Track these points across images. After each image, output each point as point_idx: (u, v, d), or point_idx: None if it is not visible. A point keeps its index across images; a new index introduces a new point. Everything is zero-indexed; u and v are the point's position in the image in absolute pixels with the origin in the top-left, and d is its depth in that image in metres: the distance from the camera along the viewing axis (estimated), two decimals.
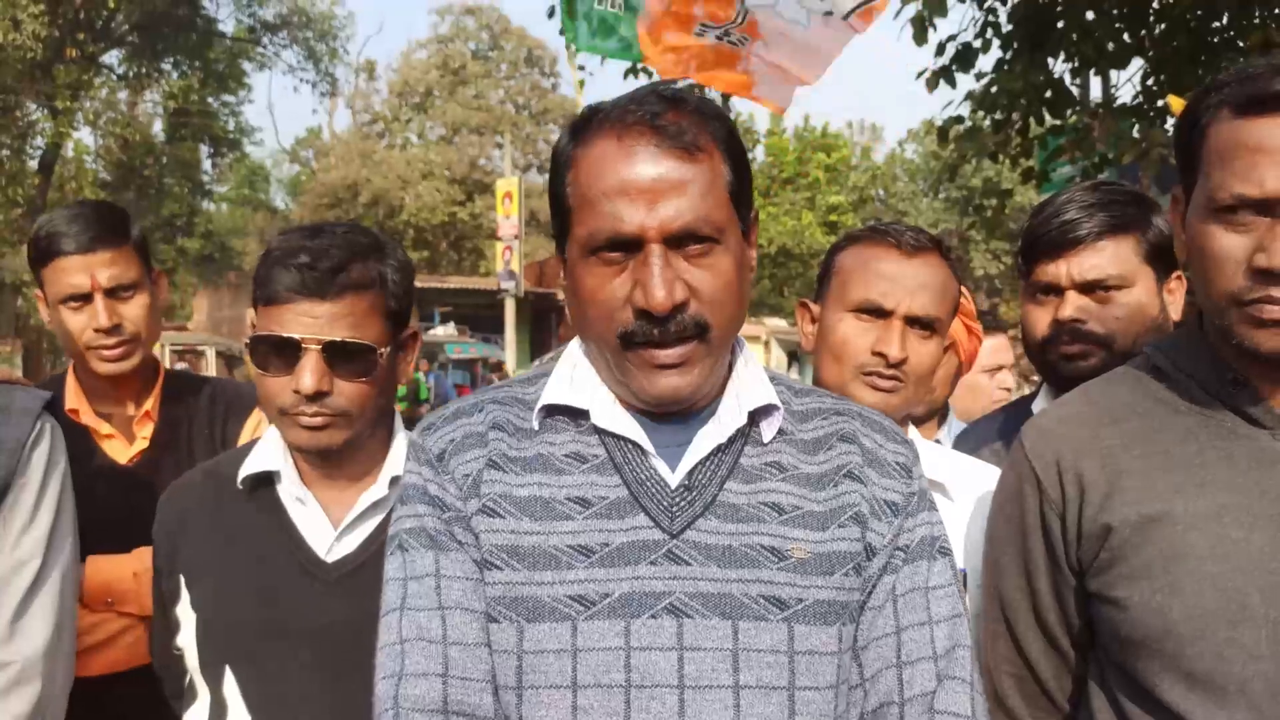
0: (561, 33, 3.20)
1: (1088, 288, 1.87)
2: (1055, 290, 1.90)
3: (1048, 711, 1.50)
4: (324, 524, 1.69)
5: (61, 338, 2.22)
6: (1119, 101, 7.94)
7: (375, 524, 1.69)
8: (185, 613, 1.69)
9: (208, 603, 1.67)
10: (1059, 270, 1.89)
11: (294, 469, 1.71)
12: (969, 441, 2.17)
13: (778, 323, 27.72)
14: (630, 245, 1.20)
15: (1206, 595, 1.27)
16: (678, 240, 1.19)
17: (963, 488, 1.81)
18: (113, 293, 2.17)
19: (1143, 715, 1.32)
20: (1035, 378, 2.33)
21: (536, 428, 1.30)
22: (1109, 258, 1.86)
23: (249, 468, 1.71)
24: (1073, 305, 1.88)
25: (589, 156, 1.23)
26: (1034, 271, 1.94)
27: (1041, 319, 1.93)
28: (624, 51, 3.21)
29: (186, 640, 1.69)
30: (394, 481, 1.70)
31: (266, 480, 1.72)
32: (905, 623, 1.26)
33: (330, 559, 1.67)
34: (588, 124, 1.25)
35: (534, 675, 1.19)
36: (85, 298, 2.15)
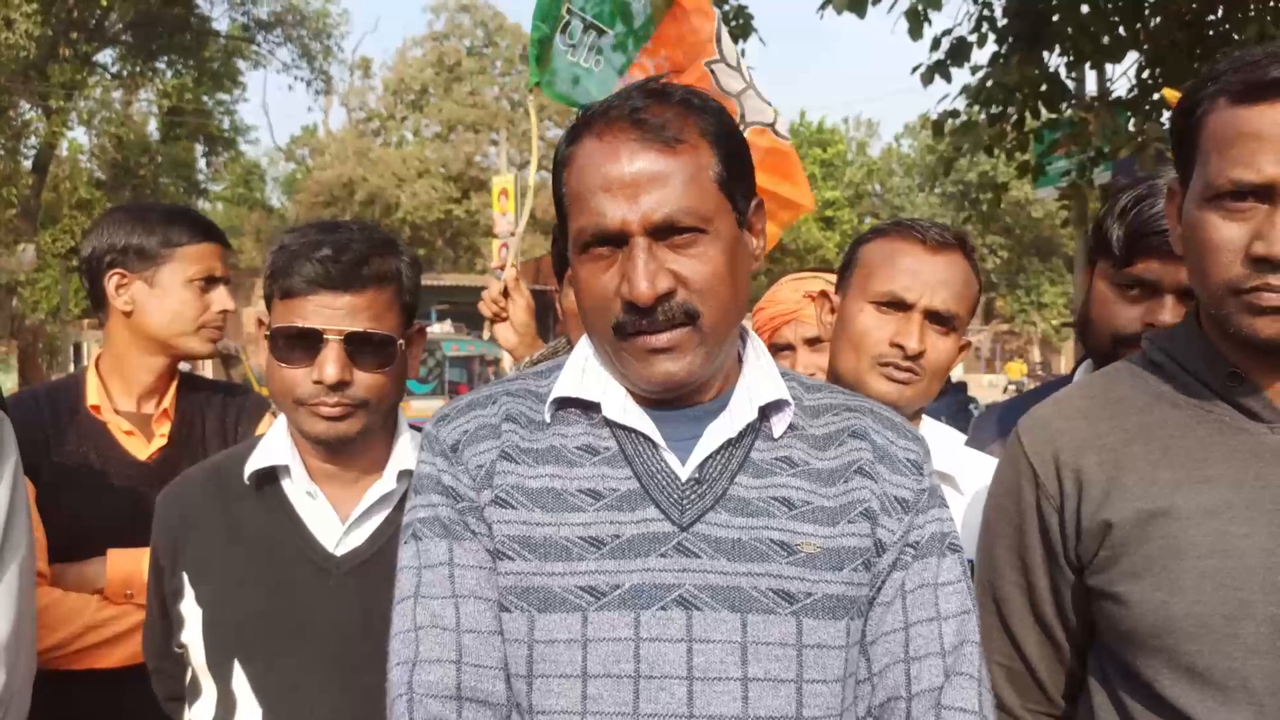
0: (532, 84, 3.14)
1: (1190, 294, 1.72)
2: (1153, 290, 1.77)
3: (1041, 705, 1.50)
4: (332, 518, 1.70)
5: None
6: (1114, 95, 7.96)
7: (383, 517, 1.70)
8: (190, 609, 1.69)
9: (215, 599, 1.67)
10: (1164, 271, 1.75)
11: (302, 464, 1.72)
12: (986, 430, 2.10)
13: None
14: (616, 239, 1.22)
15: (1207, 591, 1.26)
16: (662, 231, 1.21)
17: (972, 481, 1.81)
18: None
19: (1144, 711, 1.32)
20: (1041, 370, 2.24)
21: (549, 420, 1.31)
22: None
23: (255, 463, 1.71)
24: (1171, 312, 1.75)
25: (578, 156, 1.26)
26: (1132, 264, 1.79)
27: (1129, 315, 1.80)
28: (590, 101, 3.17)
29: (190, 637, 1.69)
30: (401, 475, 1.71)
31: (271, 477, 1.72)
32: (914, 618, 1.28)
33: (339, 553, 1.68)
34: (579, 125, 1.28)
35: (545, 664, 1.20)
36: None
